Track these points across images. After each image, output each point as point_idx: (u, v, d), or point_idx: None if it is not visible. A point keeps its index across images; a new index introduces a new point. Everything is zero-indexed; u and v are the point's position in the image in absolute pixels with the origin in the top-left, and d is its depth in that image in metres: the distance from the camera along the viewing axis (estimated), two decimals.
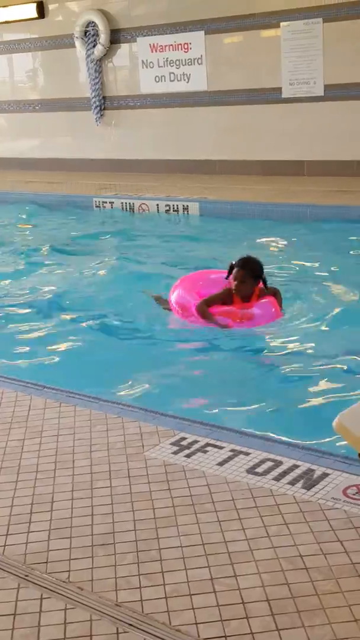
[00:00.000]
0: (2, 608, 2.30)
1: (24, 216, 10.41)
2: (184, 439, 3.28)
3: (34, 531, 2.69)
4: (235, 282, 5.11)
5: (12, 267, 7.61)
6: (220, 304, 5.18)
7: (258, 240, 8.13)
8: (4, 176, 13.03)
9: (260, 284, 5.22)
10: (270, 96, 10.89)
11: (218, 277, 5.44)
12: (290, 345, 4.95)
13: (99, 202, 10.26)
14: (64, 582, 2.41)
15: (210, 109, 11.48)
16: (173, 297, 5.44)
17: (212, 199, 9.71)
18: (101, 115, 12.60)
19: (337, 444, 3.30)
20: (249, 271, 5.11)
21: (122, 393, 4.24)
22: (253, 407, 4.12)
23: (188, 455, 3.13)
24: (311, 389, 4.30)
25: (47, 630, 2.20)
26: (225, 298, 5.18)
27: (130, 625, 2.20)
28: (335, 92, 10.34)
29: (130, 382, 4.45)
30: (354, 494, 2.76)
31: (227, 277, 5.23)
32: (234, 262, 5.21)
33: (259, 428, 3.59)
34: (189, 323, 5.25)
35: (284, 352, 4.88)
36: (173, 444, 3.24)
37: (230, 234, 8.51)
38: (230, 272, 5.18)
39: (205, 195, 9.87)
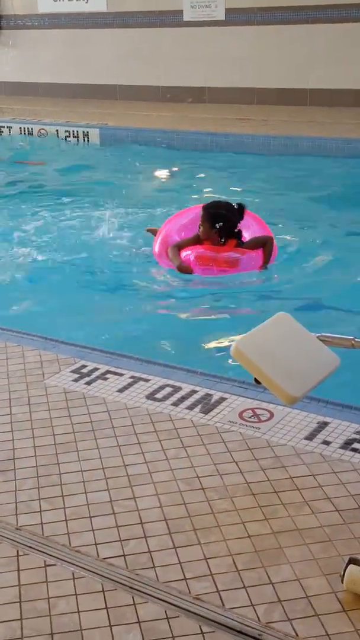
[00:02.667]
0: None
1: None
2: (84, 366, 3.30)
3: None
4: (199, 224, 4.99)
5: None
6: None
7: (158, 169, 8.08)
8: None
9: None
10: (171, 19, 10.67)
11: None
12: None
13: None
14: None
15: (110, 31, 11.18)
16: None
17: (113, 125, 9.55)
18: None
19: (234, 370, 3.39)
20: (207, 214, 4.92)
21: (25, 321, 4.20)
22: (154, 336, 4.17)
23: (88, 383, 3.16)
24: (213, 321, 4.38)
25: None
26: (195, 242, 4.97)
27: (30, 547, 2.24)
28: (237, 17, 10.23)
29: (32, 310, 4.43)
30: (249, 417, 2.86)
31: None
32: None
33: (159, 356, 3.63)
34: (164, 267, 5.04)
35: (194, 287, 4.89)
36: (73, 371, 3.25)
37: (130, 162, 8.42)
38: None
39: (105, 122, 9.68)
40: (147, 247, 5.36)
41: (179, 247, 4.94)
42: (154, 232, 5.35)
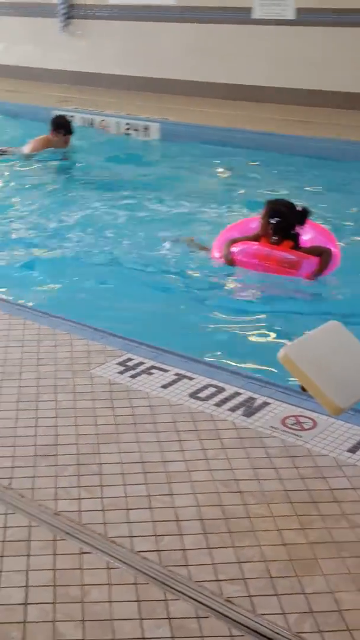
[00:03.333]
0: None
1: None
2: (130, 359, 3.33)
3: None
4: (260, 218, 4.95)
5: None
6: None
7: (217, 168, 8.07)
8: None
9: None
10: (240, 16, 10.62)
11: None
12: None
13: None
14: (5, 487, 2.46)
15: (177, 26, 11.18)
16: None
17: (173, 121, 9.56)
18: (67, 24, 12.14)
19: (280, 375, 3.39)
20: (267, 207, 4.87)
21: (75, 310, 4.25)
22: (202, 334, 4.18)
23: (133, 376, 3.19)
24: (261, 324, 4.38)
25: None
26: (253, 239, 4.91)
27: (68, 533, 2.27)
28: (307, 17, 10.14)
29: (82, 299, 4.47)
30: (292, 424, 2.86)
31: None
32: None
33: (205, 355, 3.65)
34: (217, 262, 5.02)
35: (243, 286, 4.89)
36: (119, 364, 3.29)
37: (189, 158, 8.42)
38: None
39: (166, 116, 9.70)
40: (202, 244, 5.37)
41: (234, 241, 4.96)
42: (199, 246, 5.35)
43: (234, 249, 4.86)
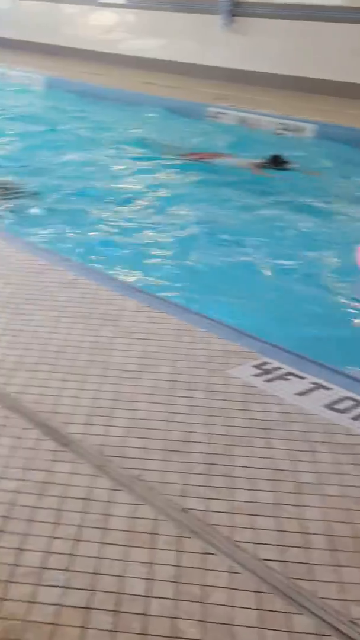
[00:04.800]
0: (77, 491, 2.42)
1: (148, 116, 10.22)
2: (267, 363, 3.30)
3: (112, 426, 2.79)
4: None
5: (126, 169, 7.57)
6: None
7: None
8: (124, 74, 12.82)
9: None
10: None
11: None
12: None
13: (213, 112, 10.04)
14: (136, 478, 2.51)
15: (342, 26, 10.98)
16: None
17: (330, 123, 9.40)
18: (229, 21, 12.17)
19: None
20: None
21: (216, 308, 4.27)
22: (346, 345, 4.09)
23: (269, 380, 3.16)
24: None
25: (115, 520, 2.31)
26: None
27: (193, 531, 2.29)
28: None
29: (225, 299, 4.48)
30: None
31: None
32: None
33: (346, 366, 3.57)
34: None
35: None
36: (256, 366, 3.27)
37: (344, 163, 8.24)
38: None
39: (321, 118, 9.55)
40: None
41: None
42: None
43: None
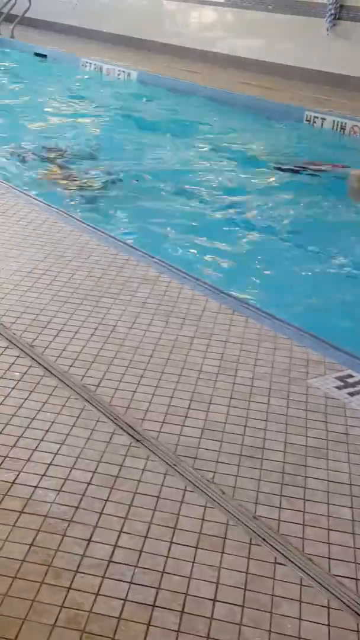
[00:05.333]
0: (149, 489, 2.40)
1: (240, 122, 10.17)
2: (351, 376, 3.22)
3: (188, 426, 2.76)
4: None
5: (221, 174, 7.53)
6: None
7: None
8: (220, 73, 12.81)
9: None
10: None
11: None
12: None
13: (311, 116, 9.89)
14: (208, 480, 2.47)
15: None
16: None
17: None
18: (334, 24, 11.99)
19: None
20: None
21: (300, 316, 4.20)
22: None
23: (352, 394, 3.08)
24: None
25: (185, 521, 2.28)
26: None
27: (264, 540, 2.24)
28: None
29: (313, 308, 4.42)
30: None
31: None
32: None
33: None
34: None
35: None
36: (338, 378, 3.19)
37: None
38: None
39: None
40: None
41: None
42: None
43: None
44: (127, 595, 1.99)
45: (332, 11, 11.88)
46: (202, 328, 3.51)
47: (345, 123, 9.48)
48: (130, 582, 2.03)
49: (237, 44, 13.45)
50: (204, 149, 8.28)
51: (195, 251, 5.31)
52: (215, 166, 7.62)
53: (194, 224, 5.85)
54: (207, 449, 2.64)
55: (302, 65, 12.27)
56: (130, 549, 2.15)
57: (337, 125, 9.56)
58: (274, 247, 5.56)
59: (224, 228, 5.87)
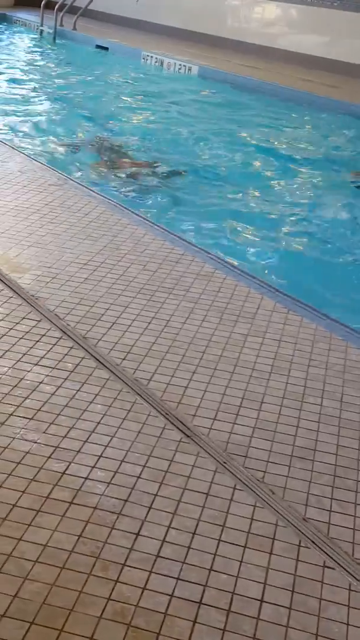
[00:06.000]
0: (199, 485, 2.39)
1: (303, 118, 10.06)
2: None
3: (239, 424, 2.74)
4: None
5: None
6: None
7: None
8: (282, 69, 12.69)
9: None
10: None
11: None
12: None
13: None
14: (258, 480, 2.46)
15: None
16: None
17: None
18: None
19: None
20: None
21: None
22: None
23: None
24: None
25: (234, 520, 2.27)
26: None
27: (314, 542, 2.21)
28: None
29: None
30: None
31: None
32: None
33: None
34: None
35: None
36: None
37: None
38: None
39: None
40: None
41: None
42: None
43: None
44: (174, 591, 1.99)
45: None
46: (256, 326, 3.49)
47: None
48: (178, 578, 2.03)
49: (299, 41, 13.30)
50: (267, 148, 8.21)
51: (252, 249, 5.28)
52: (279, 167, 7.53)
53: (252, 222, 5.82)
54: (257, 448, 2.62)
55: None
56: (178, 544, 2.15)
57: None
58: (334, 250, 5.49)
59: (284, 228, 5.81)
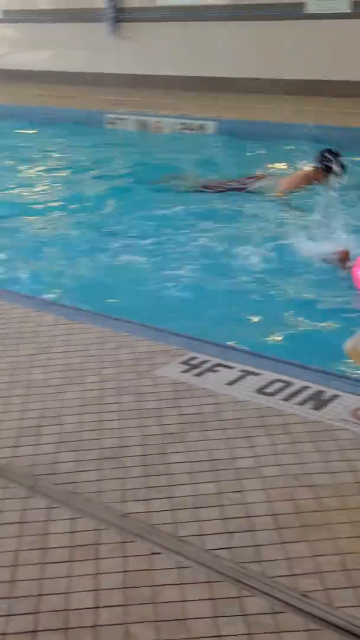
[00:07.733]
0: (10, 517, 2.33)
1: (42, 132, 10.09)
2: (194, 358, 3.27)
3: (42, 444, 2.71)
4: None
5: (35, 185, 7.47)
6: None
7: (276, 162, 7.95)
8: (16, 89, 12.66)
9: None
10: (292, 12, 10.55)
11: None
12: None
13: (112, 118, 9.99)
14: (70, 492, 2.43)
15: (229, 24, 11.13)
16: None
17: (230, 118, 9.48)
18: (116, 27, 12.19)
19: (349, 367, 3.29)
20: None
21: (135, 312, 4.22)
22: (266, 329, 4.10)
23: (198, 375, 3.13)
24: (323, 315, 4.27)
25: (55, 538, 2.23)
26: None
27: (137, 535, 2.23)
28: None
29: (145, 301, 4.45)
30: None
31: None
32: None
33: (270, 351, 3.56)
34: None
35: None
36: (183, 363, 3.23)
37: (246, 154, 8.29)
38: None
39: (222, 114, 9.64)
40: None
41: None
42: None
43: None
44: (5, 628, 1.92)
45: (112, 15, 12.07)
46: (40, 343, 3.46)
47: (146, 120, 9.58)
48: (7, 615, 1.97)
49: (26, 58, 13.41)
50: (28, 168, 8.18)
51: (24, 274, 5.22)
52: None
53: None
54: (65, 462, 2.60)
55: (93, 70, 12.42)
56: (1, 581, 2.08)
57: (140, 123, 9.69)
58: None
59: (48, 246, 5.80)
